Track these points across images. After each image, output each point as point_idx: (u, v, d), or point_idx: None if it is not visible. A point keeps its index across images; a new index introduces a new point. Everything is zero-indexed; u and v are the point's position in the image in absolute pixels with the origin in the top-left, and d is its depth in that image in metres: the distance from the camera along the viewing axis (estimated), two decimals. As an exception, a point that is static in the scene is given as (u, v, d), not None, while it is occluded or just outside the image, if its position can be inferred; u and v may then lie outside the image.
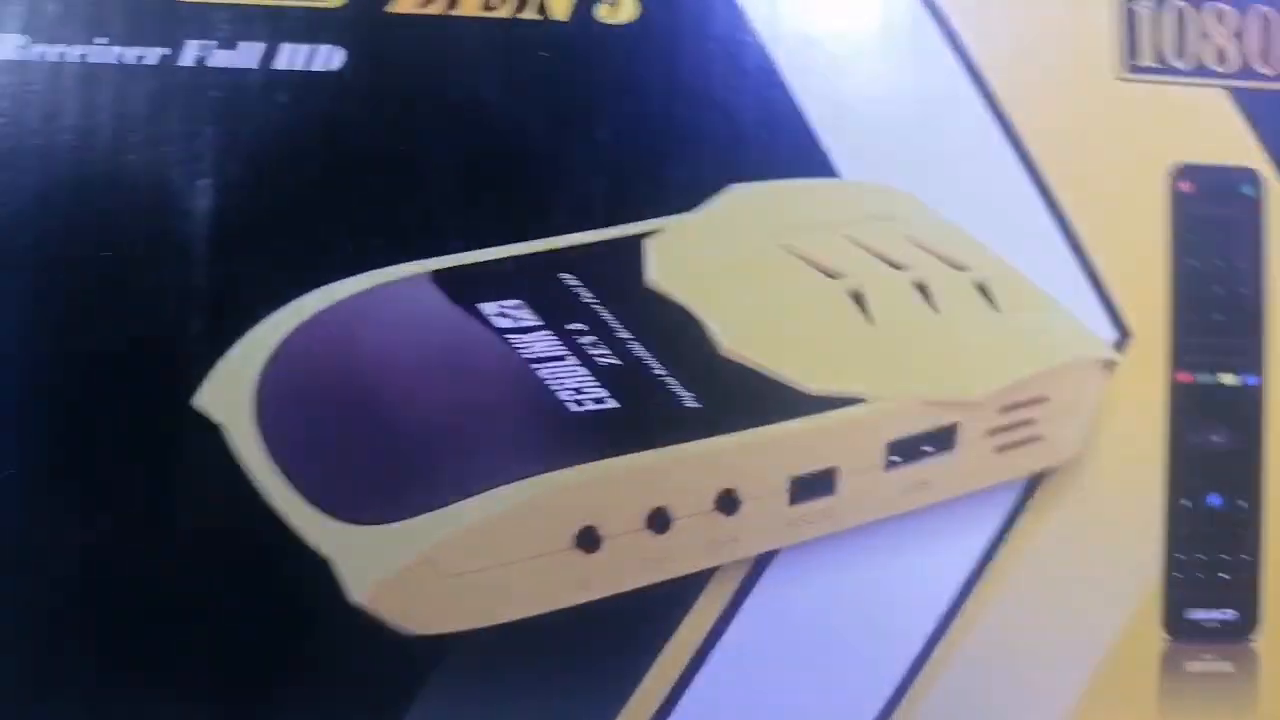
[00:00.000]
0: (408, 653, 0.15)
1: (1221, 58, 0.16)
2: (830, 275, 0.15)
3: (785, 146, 0.15)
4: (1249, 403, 0.16)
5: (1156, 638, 0.16)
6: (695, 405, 0.15)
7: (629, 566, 0.15)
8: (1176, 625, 0.16)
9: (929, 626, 0.15)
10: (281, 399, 0.14)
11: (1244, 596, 0.16)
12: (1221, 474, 0.16)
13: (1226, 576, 0.16)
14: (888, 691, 0.15)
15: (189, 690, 0.14)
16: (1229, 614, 0.16)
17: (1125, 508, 0.15)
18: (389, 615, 0.14)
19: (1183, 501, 0.16)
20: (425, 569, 0.14)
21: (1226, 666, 0.16)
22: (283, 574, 0.14)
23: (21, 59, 0.13)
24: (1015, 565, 0.15)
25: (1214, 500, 0.16)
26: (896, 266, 0.15)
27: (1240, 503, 0.16)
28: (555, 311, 0.15)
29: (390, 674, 0.15)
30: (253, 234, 0.14)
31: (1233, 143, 0.16)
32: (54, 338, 0.14)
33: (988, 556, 0.15)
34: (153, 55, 0.14)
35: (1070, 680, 0.15)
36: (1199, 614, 0.16)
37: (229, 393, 0.14)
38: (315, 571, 0.14)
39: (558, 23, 0.15)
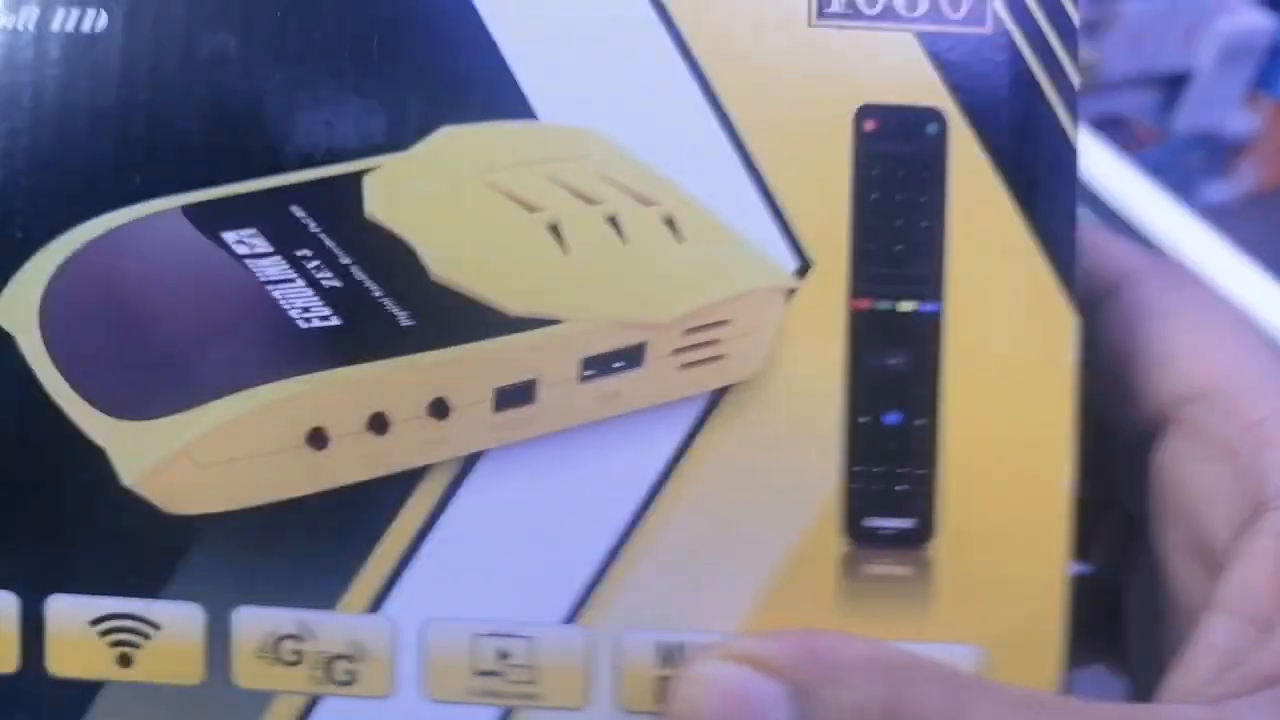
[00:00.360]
0: (172, 528, 0.17)
1: (911, 4, 0.17)
2: (530, 209, 0.17)
3: (488, 89, 0.17)
4: (926, 327, 0.17)
5: (836, 544, 0.17)
6: (409, 323, 0.17)
7: (354, 463, 0.17)
8: (855, 531, 0.17)
9: (619, 525, 0.17)
10: (61, 312, 0.17)
11: (921, 506, 0.17)
12: (899, 393, 0.17)
13: (904, 487, 0.17)
14: (581, 581, 0.17)
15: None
16: (906, 522, 0.17)
17: (805, 423, 0.17)
18: (153, 497, 0.17)
19: (861, 419, 0.17)
20: (181, 460, 0.17)
21: (904, 570, 0.17)
22: (67, 459, 0.17)
23: None
24: (699, 472, 0.17)
25: (892, 418, 0.17)
26: (590, 201, 0.17)
27: (917, 421, 0.17)
28: (286, 239, 0.17)
29: (157, 546, 0.17)
30: (34, 175, 0.17)
31: (920, 85, 0.17)
32: None
33: (675, 462, 0.17)
34: None
35: (750, 580, 0.17)
36: (877, 521, 0.17)
37: (17, 307, 0.17)
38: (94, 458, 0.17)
39: None
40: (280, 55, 0.17)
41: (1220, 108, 1.72)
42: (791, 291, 0.17)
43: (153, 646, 0.17)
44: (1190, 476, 0.18)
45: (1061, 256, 0.17)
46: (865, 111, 0.17)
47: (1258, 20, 1.62)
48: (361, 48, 0.17)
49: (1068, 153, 0.17)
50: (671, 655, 0.17)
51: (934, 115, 0.17)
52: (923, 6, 0.17)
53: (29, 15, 0.17)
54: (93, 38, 0.17)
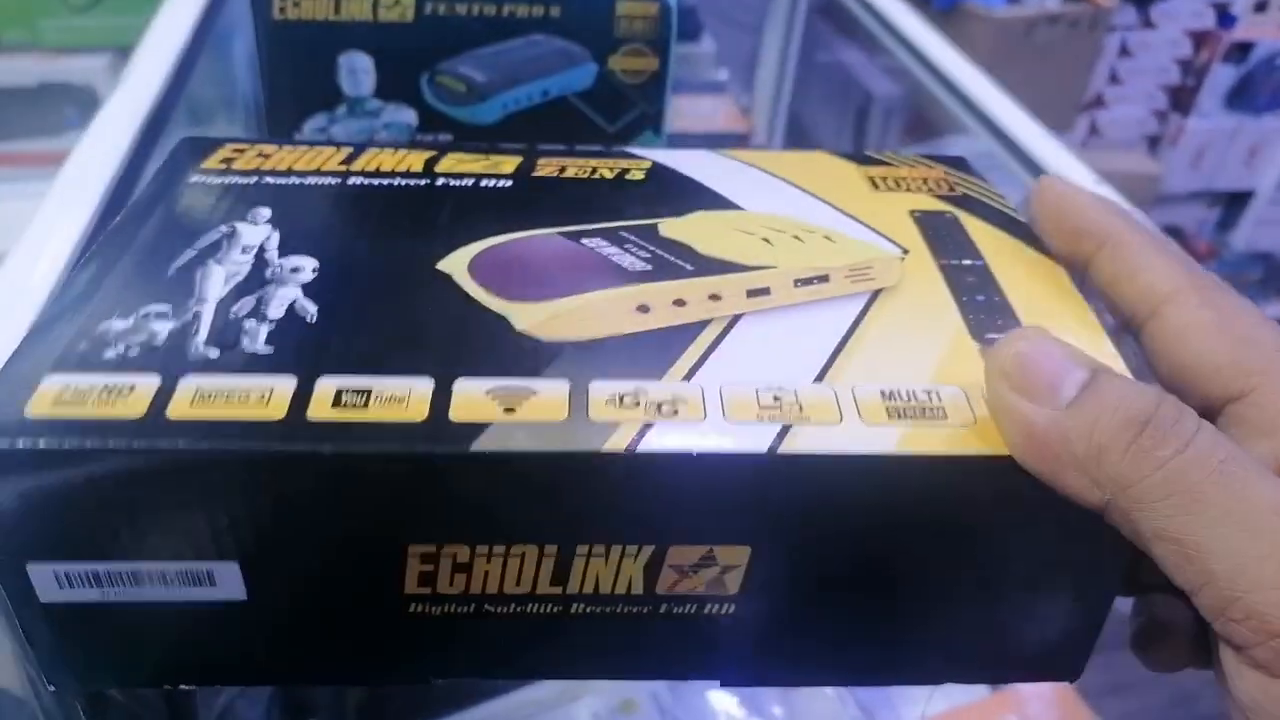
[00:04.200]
0: (541, 350, 0.27)
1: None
2: (750, 234, 0.32)
3: (716, 203, 0.33)
4: (981, 268, 0.31)
5: (973, 345, 0.28)
6: (690, 268, 0.30)
7: (666, 319, 0.28)
8: (982, 340, 0.28)
9: (837, 339, 0.28)
10: (481, 264, 0.30)
11: (1012, 325, 0.29)
12: (980, 291, 0.30)
13: (1000, 322, 0.29)
14: (818, 368, 0.27)
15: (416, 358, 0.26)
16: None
17: (933, 298, 0.29)
18: (537, 334, 0.27)
19: (964, 299, 0.30)
20: (557, 317, 0.28)
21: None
22: (479, 325, 0.28)
23: None
24: (881, 314, 0.29)
25: (980, 298, 0.30)
26: (782, 232, 0.32)
27: (995, 299, 0.30)
28: (618, 242, 0.31)
29: (536, 355, 0.27)
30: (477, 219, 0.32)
31: (938, 204, 0.34)
32: (367, 260, 0.30)
33: (858, 321, 0.29)
34: None
35: (927, 360, 0.27)
36: (993, 335, 0.28)
37: (455, 263, 0.30)
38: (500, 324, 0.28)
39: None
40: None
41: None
42: (903, 257, 0.31)
43: (531, 401, 0.26)
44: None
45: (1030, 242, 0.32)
46: (915, 213, 0.34)
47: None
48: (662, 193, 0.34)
49: (1006, 211, 0.33)
50: (892, 394, 0.26)
51: (954, 215, 0.34)
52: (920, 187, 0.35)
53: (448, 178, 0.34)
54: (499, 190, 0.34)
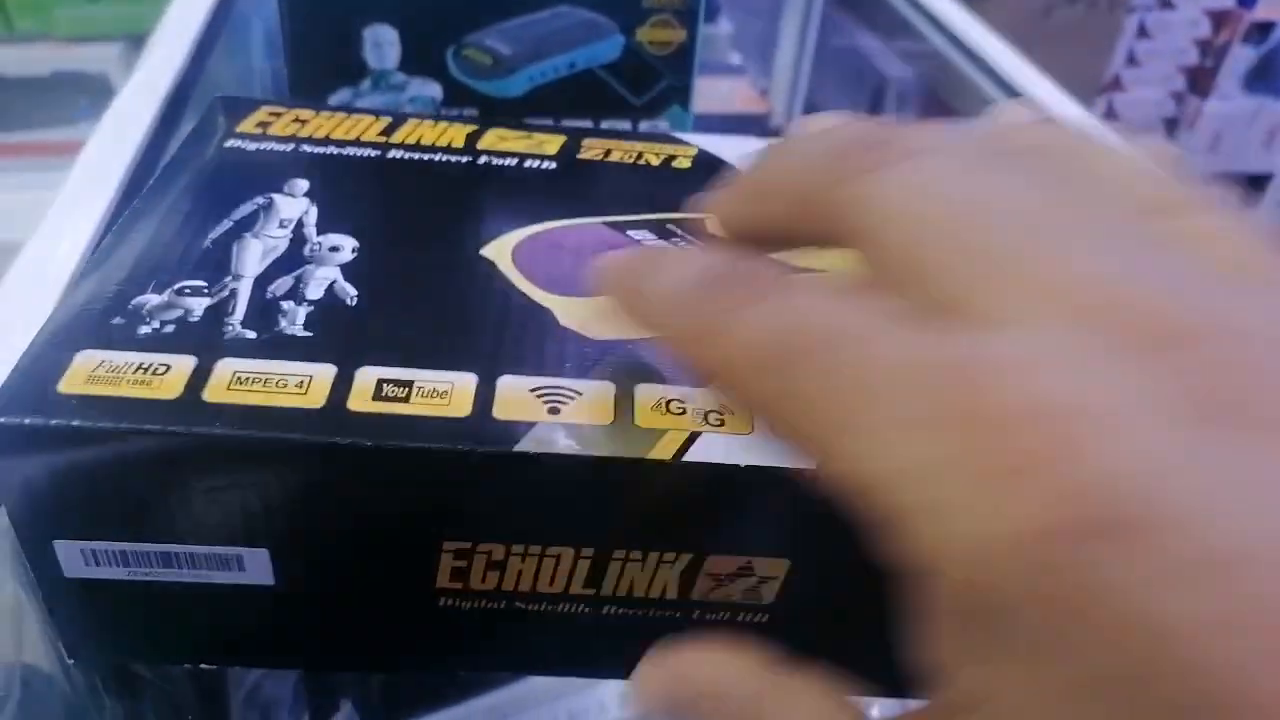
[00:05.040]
0: (587, 348, 0.26)
1: None
2: None
3: None
4: None
5: None
6: None
7: None
8: None
9: None
10: (523, 251, 0.29)
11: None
12: None
13: None
14: None
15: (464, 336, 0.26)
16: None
17: None
18: (572, 326, 0.27)
19: None
20: (602, 315, 0.27)
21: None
22: (523, 317, 0.27)
23: None
24: None
25: None
26: None
27: None
28: (664, 234, 0.30)
29: (582, 353, 0.26)
30: (521, 201, 0.31)
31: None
32: (408, 242, 0.30)
33: None
34: None
35: None
36: None
37: (499, 251, 0.29)
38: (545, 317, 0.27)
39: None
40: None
41: (1301, 210, 1.50)
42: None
43: (575, 404, 0.25)
44: None
45: None
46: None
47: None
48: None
49: None
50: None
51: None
52: None
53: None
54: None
